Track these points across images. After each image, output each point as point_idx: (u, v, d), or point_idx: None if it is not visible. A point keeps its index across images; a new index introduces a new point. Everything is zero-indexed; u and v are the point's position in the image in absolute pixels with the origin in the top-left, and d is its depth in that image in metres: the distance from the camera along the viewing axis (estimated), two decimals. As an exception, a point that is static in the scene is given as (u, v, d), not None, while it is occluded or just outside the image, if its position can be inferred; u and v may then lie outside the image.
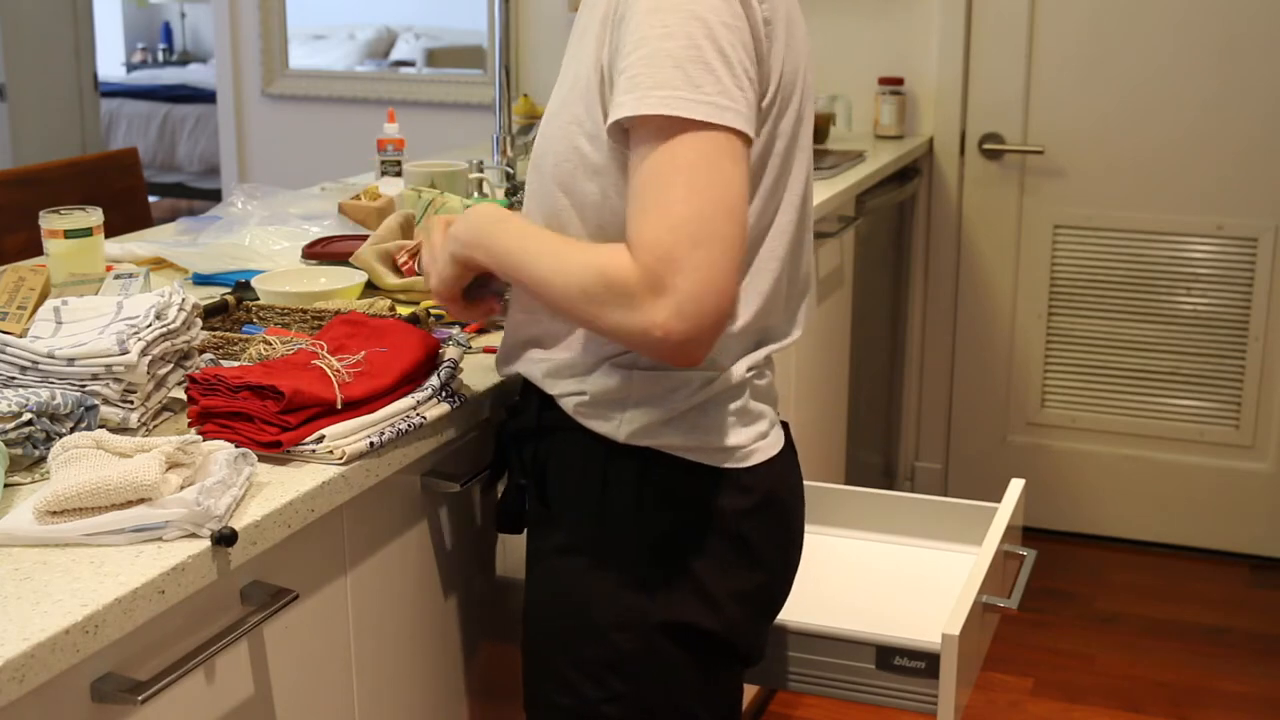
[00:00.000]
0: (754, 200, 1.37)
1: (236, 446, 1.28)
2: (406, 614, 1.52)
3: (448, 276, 1.45)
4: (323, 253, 2.13)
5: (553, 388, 1.44)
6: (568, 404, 1.42)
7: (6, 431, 1.29)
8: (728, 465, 1.41)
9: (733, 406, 1.41)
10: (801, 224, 1.46)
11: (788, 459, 1.51)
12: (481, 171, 2.63)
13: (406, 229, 2.05)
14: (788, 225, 1.42)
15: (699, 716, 1.47)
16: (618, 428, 1.39)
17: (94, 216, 1.89)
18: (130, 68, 9.77)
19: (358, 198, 2.42)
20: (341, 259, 2.03)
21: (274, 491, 1.26)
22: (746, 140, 1.28)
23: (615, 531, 1.41)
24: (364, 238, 2.10)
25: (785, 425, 1.56)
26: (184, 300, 1.53)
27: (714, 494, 1.41)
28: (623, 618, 1.41)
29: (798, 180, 1.43)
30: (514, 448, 1.53)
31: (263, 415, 1.34)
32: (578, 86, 1.36)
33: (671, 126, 1.25)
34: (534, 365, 1.46)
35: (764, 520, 1.45)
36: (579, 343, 1.41)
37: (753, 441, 1.43)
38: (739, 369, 1.42)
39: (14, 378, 1.41)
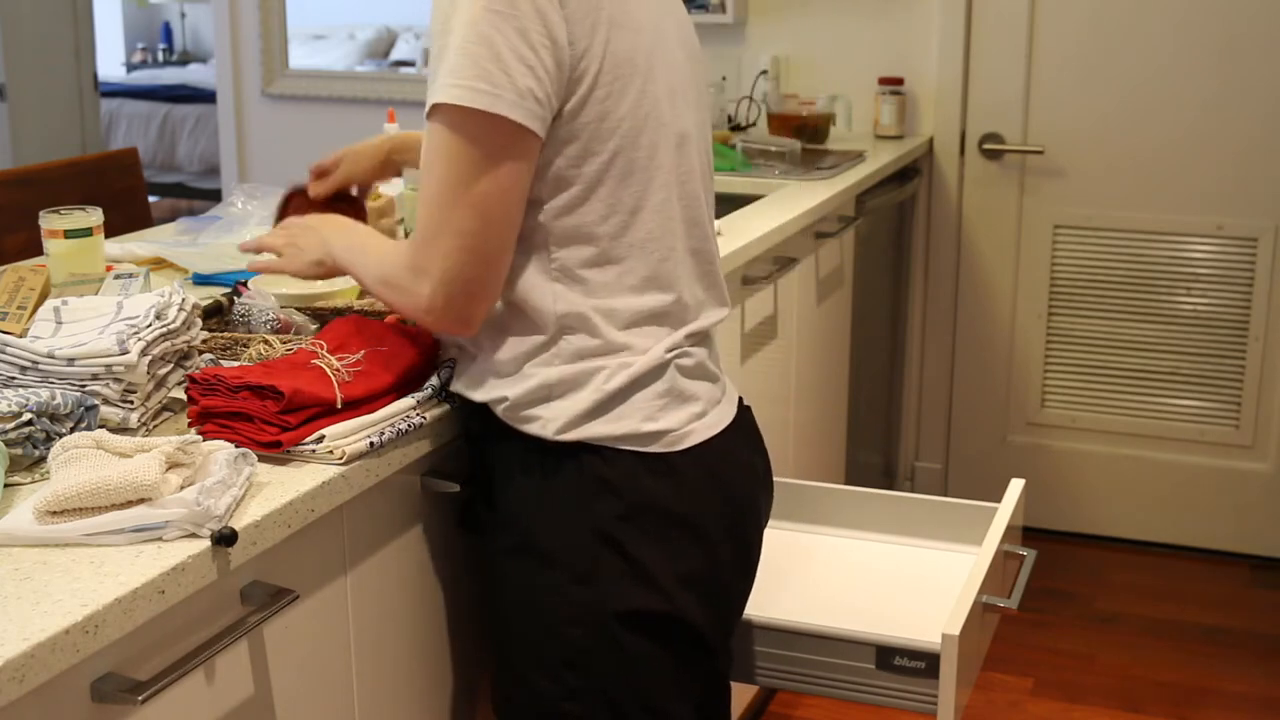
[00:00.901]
0: (602, 187, 1.40)
1: (236, 446, 1.28)
2: (406, 614, 1.52)
3: (309, 275, 1.62)
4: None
5: (478, 395, 1.46)
6: (497, 409, 1.45)
7: (6, 431, 1.29)
8: (660, 450, 1.42)
9: (659, 388, 1.43)
10: (687, 202, 1.47)
11: (736, 437, 1.52)
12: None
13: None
14: (663, 204, 1.44)
15: (668, 708, 1.47)
16: (544, 426, 1.41)
17: (94, 216, 1.89)
18: (130, 68, 9.77)
19: (358, 198, 2.42)
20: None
21: (274, 491, 1.26)
22: (509, 124, 1.32)
23: (558, 528, 1.42)
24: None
25: (746, 408, 1.56)
26: (184, 300, 1.53)
27: (650, 480, 1.41)
28: (574, 613, 1.42)
29: (666, 159, 1.44)
30: (470, 450, 1.55)
31: (263, 415, 1.34)
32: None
33: (438, 113, 1.34)
34: (459, 377, 1.49)
35: (704, 502, 1.46)
36: (495, 350, 1.44)
37: (687, 423, 1.44)
38: (656, 352, 1.43)
39: (14, 378, 1.41)
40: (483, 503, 1.52)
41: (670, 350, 1.44)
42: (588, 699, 1.44)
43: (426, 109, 1.36)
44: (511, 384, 1.43)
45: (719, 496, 1.48)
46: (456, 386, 1.49)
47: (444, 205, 1.35)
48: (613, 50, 1.38)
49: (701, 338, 1.51)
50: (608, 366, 1.41)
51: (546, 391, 1.41)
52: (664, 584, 1.42)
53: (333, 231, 1.59)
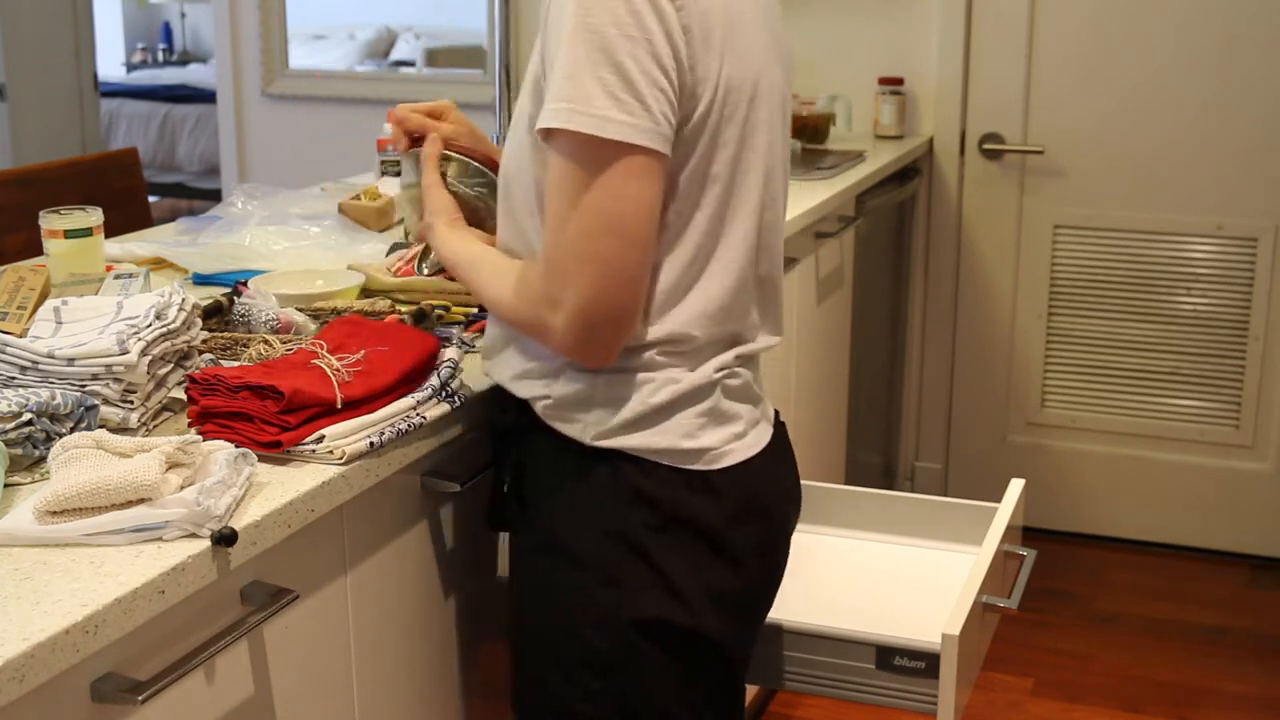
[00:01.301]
0: (700, 212, 1.38)
1: (236, 446, 1.28)
2: (406, 614, 1.52)
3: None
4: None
5: (522, 391, 1.46)
6: (536, 407, 1.44)
7: (6, 431, 1.29)
8: (698, 467, 1.41)
9: (702, 408, 1.42)
10: (763, 231, 1.46)
11: (773, 459, 1.51)
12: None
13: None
14: (748, 234, 1.43)
15: (683, 716, 1.46)
16: (584, 430, 1.41)
17: (94, 216, 1.89)
18: (130, 68, 9.77)
19: (358, 198, 2.42)
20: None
21: (274, 491, 1.26)
22: (646, 152, 1.29)
23: (588, 531, 1.42)
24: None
25: (781, 425, 1.56)
26: (184, 300, 1.53)
27: (685, 496, 1.41)
28: (596, 616, 1.42)
29: (753, 188, 1.43)
30: (498, 446, 1.55)
31: (263, 415, 1.34)
32: (534, 96, 1.38)
33: (568, 140, 1.29)
34: (505, 369, 1.48)
35: (739, 521, 1.45)
36: (547, 350, 1.42)
37: (726, 443, 1.43)
38: (706, 370, 1.42)
39: (14, 378, 1.41)
40: (513, 497, 1.52)
41: (719, 370, 1.43)
42: (603, 701, 1.43)
43: (539, 127, 1.31)
44: (557, 384, 1.42)
45: (755, 517, 1.47)
46: (500, 379, 1.49)
47: (579, 232, 1.30)
48: (726, 76, 1.36)
49: (749, 359, 1.50)
50: (655, 380, 1.40)
51: (590, 395, 1.40)
52: (691, 598, 1.42)
53: (445, 238, 1.54)
